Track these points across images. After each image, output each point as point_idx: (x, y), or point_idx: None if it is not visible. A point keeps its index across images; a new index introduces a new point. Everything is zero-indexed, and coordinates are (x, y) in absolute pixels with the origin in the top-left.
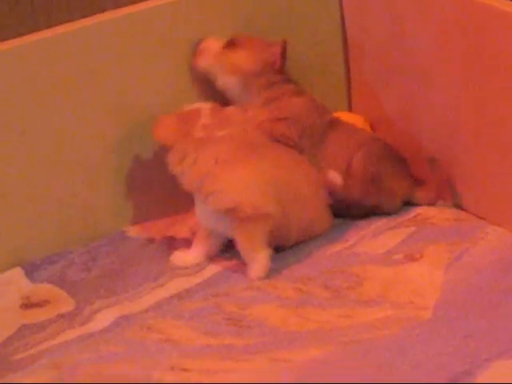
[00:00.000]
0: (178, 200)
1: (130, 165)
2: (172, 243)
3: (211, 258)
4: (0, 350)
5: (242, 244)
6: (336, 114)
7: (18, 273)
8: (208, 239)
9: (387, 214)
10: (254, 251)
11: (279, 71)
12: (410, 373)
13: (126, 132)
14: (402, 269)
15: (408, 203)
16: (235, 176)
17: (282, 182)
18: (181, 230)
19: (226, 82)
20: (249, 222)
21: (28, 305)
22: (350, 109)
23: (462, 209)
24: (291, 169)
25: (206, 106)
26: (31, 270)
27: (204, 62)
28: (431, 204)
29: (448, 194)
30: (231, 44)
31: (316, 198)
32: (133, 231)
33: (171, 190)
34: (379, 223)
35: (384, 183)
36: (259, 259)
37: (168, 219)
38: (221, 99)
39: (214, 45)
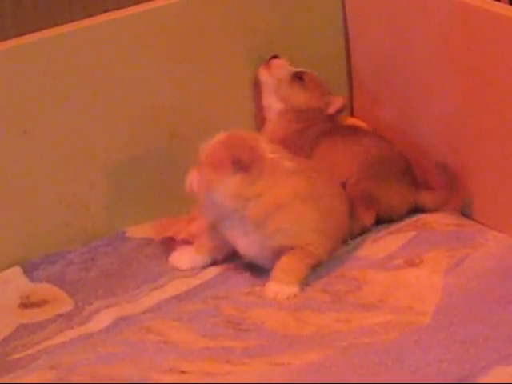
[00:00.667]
0: (178, 202)
1: (131, 165)
2: (171, 244)
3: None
4: None
5: (285, 265)
6: None
7: (17, 272)
8: (213, 248)
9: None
10: (294, 280)
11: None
12: (408, 378)
13: (126, 133)
14: (401, 273)
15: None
16: (311, 217)
17: (335, 225)
18: (180, 232)
19: (276, 105)
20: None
21: (27, 304)
22: (351, 114)
23: (463, 214)
24: (339, 209)
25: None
26: (30, 270)
27: (269, 79)
28: (439, 209)
29: (456, 199)
30: (299, 77)
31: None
32: (132, 232)
33: (171, 191)
34: (379, 227)
35: (381, 201)
36: (290, 289)
37: (167, 220)
38: (224, 97)
39: (285, 68)
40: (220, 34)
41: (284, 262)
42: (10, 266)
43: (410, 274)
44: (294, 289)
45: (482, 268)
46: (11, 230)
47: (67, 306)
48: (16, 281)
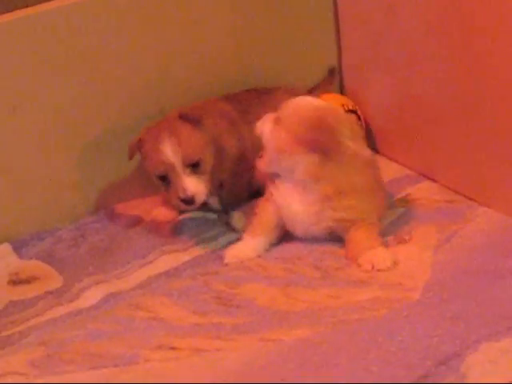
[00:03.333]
0: None
1: (120, 143)
2: (159, 221)
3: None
4: None
5: (360, 243)
6: (326, 96)
7: (6, 249)
8: (270, 233)
9: None
10: (375, 245)
11: None
12: (398, 354)
13: (116, 109)
14: (391, 250)
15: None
16: (376, 202)
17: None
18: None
19: None
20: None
21: (16, 281)
22: (341, 91)
23: (453, 190)
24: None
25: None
26: (19, 246)
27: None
28: None
29: None
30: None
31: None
32: (121, 209)
33: None
34: None
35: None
36: (380, 252)
37: (156, 197)
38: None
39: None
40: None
41: (358, 234)
42: None
43: (399, 251)
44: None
45: (472, 244)
46: (0, 207)
47: (56, 282)
48: (5, 258)
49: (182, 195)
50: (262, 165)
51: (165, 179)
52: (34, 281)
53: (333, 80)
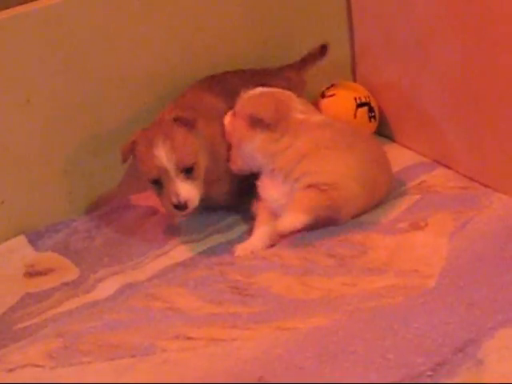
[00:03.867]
0: None
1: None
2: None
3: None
4: (4, 319)
5: (298, 197)
6: (341, 84)
7: (21, 241)
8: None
9: None
10: (305, 210)
11: None
12: (414, 341)
13: (130, 100)
14: (406, 237)
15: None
16: (334, 161)
17: (366, 173)
18: None
19: None
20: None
21: (32, 273)
22: (354, 79)
23: (468, 177)
24: (372, 159)
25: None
26: (35, 239)
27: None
28: None
29: None
30: None
31: (384, 176)
32: (136, 200)
33: None
34: None
35: None
36: (299, 219)
37: None
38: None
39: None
40: None
41: (297, 195)
42: (14, 236)
43: (415, 238)
44: (301, 217)
45: (487, 230)
46: (15, 199)
47: (72, 274)
48: (21, 250)
49: (174, 201)
50: (233, 165)
51: (158, 183)
52: (49, 273)
53: (322, 57)
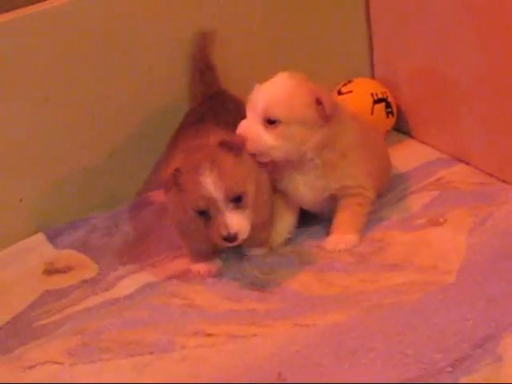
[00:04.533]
0: None
1: (152, 132)
2: None
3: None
4: (23, 316)
5: (344, 218)
6: (358, 80)
7: (40, 239)
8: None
9: None
10: (354, 230)
11: None
12: (434, 337)
13: (148, 97)
14: (425, 233)
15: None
16: (365, 161)
17: (381, 168)
18: None
19: None
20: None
21: (51, 271)
22: (372, 75)
23: (486, 172)
24: (382, 151)
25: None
26: (54, 236)
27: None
28: None
29: None
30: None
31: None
32: (155, 196)
33: None
34: (402, 188)
35: None
36: (349, 238)
37: None
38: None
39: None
40: None
41: (342, 215)
42: (33, 233)
43: (433, 234)
44: (353, 237)
45: (506, 226)
46: (34, 197)
47: (91, 271)
48: (40, 247)
49: (224, 233)
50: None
51: (205, 214)
52: (68, 270)
53: None
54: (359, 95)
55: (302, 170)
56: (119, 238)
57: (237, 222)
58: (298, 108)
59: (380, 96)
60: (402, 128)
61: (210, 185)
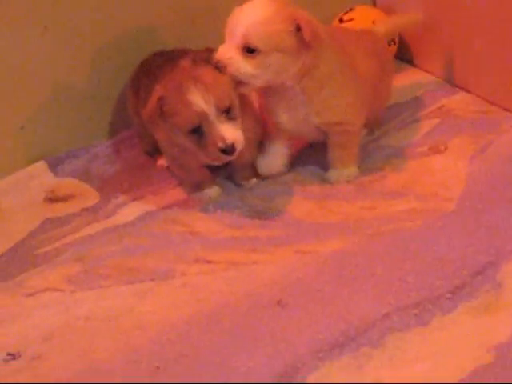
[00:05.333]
0: None
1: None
2: None
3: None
4: (24, 244)
5: (338, 153)
6: (359, 8)
7: (41, 167)
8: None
9: None
10: (350, 163)
11: None
12: (434, 264)
13: (150, 23)
14: (426, 161)
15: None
16: (348, 93)
17: (369, 92)
18: None
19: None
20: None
21: (52, 199)
22: (374, 3)
23: (488, 100)
24: (375, 74)
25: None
26: (55, 164)
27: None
28: None
29: None
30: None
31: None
32: None
33: None
34: (403, 116)
35: None
36: (350, 171)
37: None
38: None
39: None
40: None
41: (334, 151)
42: (34, 162)
43: (434, 161)
44: (352, 170)
45: (507, 154)
46: (35, 125)
47: (93, 199)
48: (41, 176)
49: (222, 145)
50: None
51: (197, 132)
52: (69, 198)
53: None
54: (361, 23)
55: (284, 96)
56: (120, 166)
57: (231, 132)
58: (277, 36)
59: None
60: (403, 56)
61: (199, 99)
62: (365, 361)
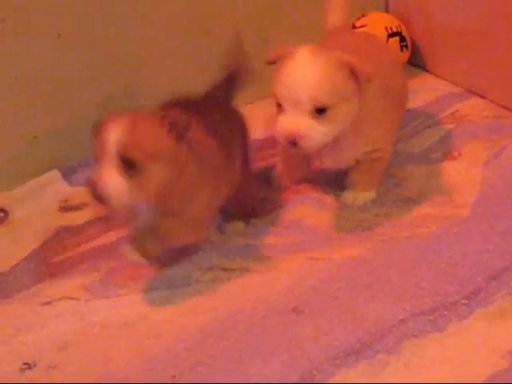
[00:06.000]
0: None
1: (171, 64)
2: None
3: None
4: (39, 253)
5: (364, 177)
6: (371, 14)
7: (55, 175)
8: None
9: None
10: (372, 187)
11: None
12: (448, 270)
13: (163, 32)
14: (440, 167)
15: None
16: (384, 122)
17: (399, 115)
18: None
19: None
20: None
21: (66, 208)
22: (386, 9)
23: (501, 105)
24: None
25: None
26: (68, 173)
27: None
28: None
29: None
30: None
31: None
32: None
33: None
34: (416, 122)
35: None
36: (369, 196)
37: None
38: None
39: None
40: None
41: (361, 174)
42: (48, 170)
43: (448, 167)
44: (371, 194)
45: None
46: (49, 134)
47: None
48: (55, 184)
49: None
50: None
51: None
52: (84, 207)
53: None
54: (373, 29)
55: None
56: None
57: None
58: (341, 85)
59: (394, 30)
60: (416, 62)
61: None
62: (381, 367)
